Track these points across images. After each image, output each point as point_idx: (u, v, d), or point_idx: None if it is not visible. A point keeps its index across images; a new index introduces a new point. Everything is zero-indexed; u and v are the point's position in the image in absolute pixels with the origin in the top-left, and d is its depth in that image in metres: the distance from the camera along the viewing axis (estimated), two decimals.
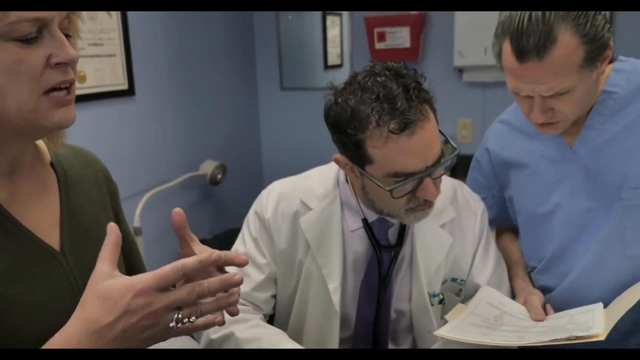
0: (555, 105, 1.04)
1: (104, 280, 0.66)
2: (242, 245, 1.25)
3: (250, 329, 1.13)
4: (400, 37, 2.75)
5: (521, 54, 1.00)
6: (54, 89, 0.69)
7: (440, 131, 1.07)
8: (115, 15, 2.23)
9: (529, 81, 1.02)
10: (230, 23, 3.02)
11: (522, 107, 1.10)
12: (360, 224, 1.18)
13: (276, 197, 1.22)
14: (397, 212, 1.09)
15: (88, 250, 0.84)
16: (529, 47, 0.99)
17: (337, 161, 1.11)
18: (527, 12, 0.99)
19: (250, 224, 1.25)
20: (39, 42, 0.67)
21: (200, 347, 1.18)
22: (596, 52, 1.00)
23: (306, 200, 1.19)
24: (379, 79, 0.99)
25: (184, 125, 2.71)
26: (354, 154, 1.04)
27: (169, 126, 2.62)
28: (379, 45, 2.80)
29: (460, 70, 2.73)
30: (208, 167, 2.73)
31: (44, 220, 0.80)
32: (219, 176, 2.76)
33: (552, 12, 0.97)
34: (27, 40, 0.66)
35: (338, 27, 3.06)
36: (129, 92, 2.34)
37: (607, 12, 1.07)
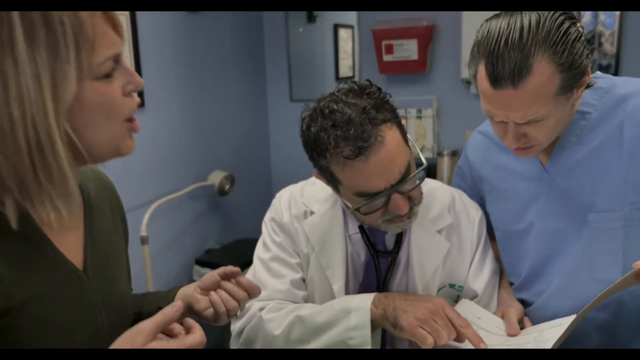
0: (529, 132, 1.02)
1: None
2: (265, 252, 1.25)
3: (312, 307, 1.15)
4: (407, 49, 2.76)
5: (495, 81, 0.96)
6: (129, 118, 0.76)
7: (413, 144, 1.10)
8: (126, 27, 2.26)
9: (502, 107, 0.99)
10: (240, 35, 3.04)
11: (496, 131, 1.08)
12: (358, 229, 1.20)
13: (287, 202, 1.25)
14: (377, 224, 1.11)
15: (106, 271, 0.88)
16: (503, 74, 0.95)
17: (317, 178, 1.15)
18: (505, 35, 0.94)
19: (270, 230, 1.26)
20: (114, 75, 0.73)
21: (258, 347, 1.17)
22: (572, 80, 0.97)
23: (309, 205, 1.23)
24: (335, 106, 1.02)
25: (193, 136, 2.73)
26: (325, 176, 1.09)
27: (178, 137, 2.64)
28: (387, 58, 2.81)
29: (468, 82, 2.74)
30: (216, 177, 2.75)
31: (72, 241, 0.83)
32: (227, 187, 2.77)
33: (530, 37, 0.93)
34: (108, 76, 0.72)
35: (351, 40, 3.08)
36: (139, 103, 2.36)
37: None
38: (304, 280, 1.23)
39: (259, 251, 1.27)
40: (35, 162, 0.67)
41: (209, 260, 2.60)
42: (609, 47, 2.48)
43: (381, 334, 1.22)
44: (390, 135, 1.02)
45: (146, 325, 0.72)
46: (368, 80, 1.09)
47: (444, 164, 2.73)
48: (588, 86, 1.06)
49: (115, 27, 0.73)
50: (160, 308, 1.00)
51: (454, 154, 2.74)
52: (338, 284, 1.17)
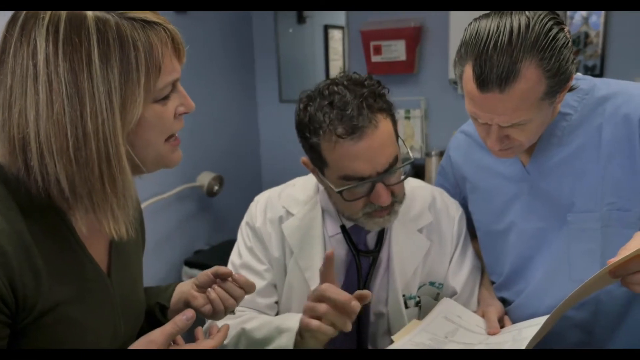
0: (512, 134, 1.03)
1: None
2: (238, 258, 1.27)
3: (259, 321, 1.16)
4: (395, 50, 2.77)
5: (482, 84, 0.96)
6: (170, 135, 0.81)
7: (402, 140, 1.12)
8: None
9: (487, 110, 1.00)
10: (229, 35, 3.04)
11: (480, 132, 1.09)
12: (339, 229, 1.21)
13: (263, 206, 1.26)
14: (356, 217, 1.12)
15: (127, 276, 0.91)
16: (491, 77, 0.94)
17: (304, 164, 1.16)
18: (494, 38, 0.94)
19: (243, 235, 1.27)
20: (170, 98, 0.78)
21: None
22: (558, 86, 0.98)
23: (288, 207, 1.24)
24: (335, 88, 1.06)
25: (181, 136, 2.71)
26: (313, 156, 1.10)
27: None
28: (375, 59, 2.82)
29: (456, 83, 2.76)
30: (205, 178, 2.75)
31: (99, 246, 0.85)
32: (216, 187, 2.77)
33: (519, 42, 0.93)
34: (165, 98, 0.77)
35: (341, 41, 3.09)
36: None
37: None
38: (275, 286, 1.24)
39: (232, 256, 1.29)
40: (104, 173, 0.72)
41: (197, 261, 2.60)
42: (594, 48, 2.50)
43: (360, 335, 1.23)
44: (384, 124, 1.05)
45: (157, 337, 0.77)
46: (369, 74, 1.12)
47: (432, 164, 2.74)
48: (570, 89, 1.07)
49: (180, 56, 0.79)
50: (159, 303, 1.03)
51: (442, 155, 2.75)
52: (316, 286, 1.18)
